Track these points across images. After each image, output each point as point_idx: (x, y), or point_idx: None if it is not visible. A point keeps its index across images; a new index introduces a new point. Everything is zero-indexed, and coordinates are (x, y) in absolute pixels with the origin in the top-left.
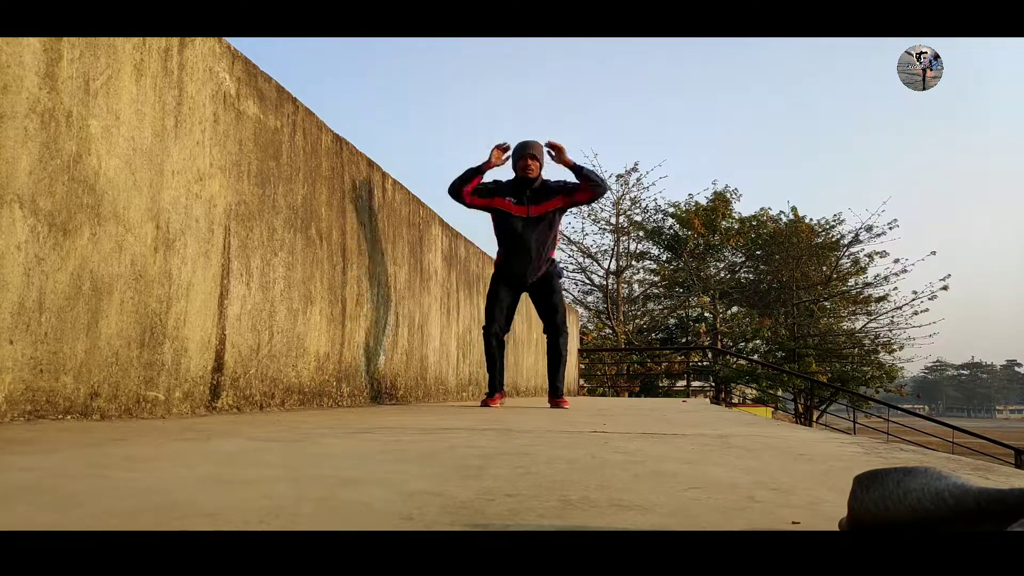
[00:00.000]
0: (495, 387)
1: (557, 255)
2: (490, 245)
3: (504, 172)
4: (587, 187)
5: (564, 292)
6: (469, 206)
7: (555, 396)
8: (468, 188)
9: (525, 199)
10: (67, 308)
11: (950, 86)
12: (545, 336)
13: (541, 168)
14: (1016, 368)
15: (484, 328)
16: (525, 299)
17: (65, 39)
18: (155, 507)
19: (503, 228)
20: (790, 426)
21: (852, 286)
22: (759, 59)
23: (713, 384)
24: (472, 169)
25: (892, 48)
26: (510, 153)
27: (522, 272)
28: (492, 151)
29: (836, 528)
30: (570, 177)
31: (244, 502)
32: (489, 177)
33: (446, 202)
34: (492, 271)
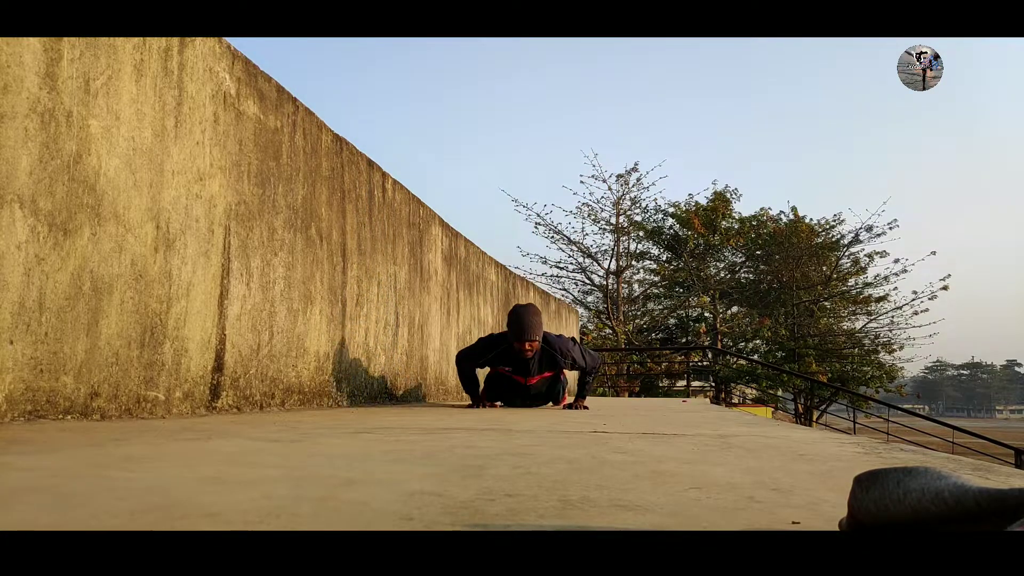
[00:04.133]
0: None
1: (557, 255)
2: (490, 245)
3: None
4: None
5: (564, 284)
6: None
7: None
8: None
9: (523, 370)
10: (67, 308)
11: (950, 86)
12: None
13: (539, 343)
14: (1016, 368)
15: (458, 359)
16: (525, 289)
17: (65, 39)
18: (155, 507)
19: (501, 381)
20: (790, 426)
21: (852, 286)
22: (759, 59)
23: (713, 384)
24: (471, 365)
25: (892, 48)
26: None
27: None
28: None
29: (836, 528)
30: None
31: (244, 502)
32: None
33: (446, 202)
34: (491, 275)
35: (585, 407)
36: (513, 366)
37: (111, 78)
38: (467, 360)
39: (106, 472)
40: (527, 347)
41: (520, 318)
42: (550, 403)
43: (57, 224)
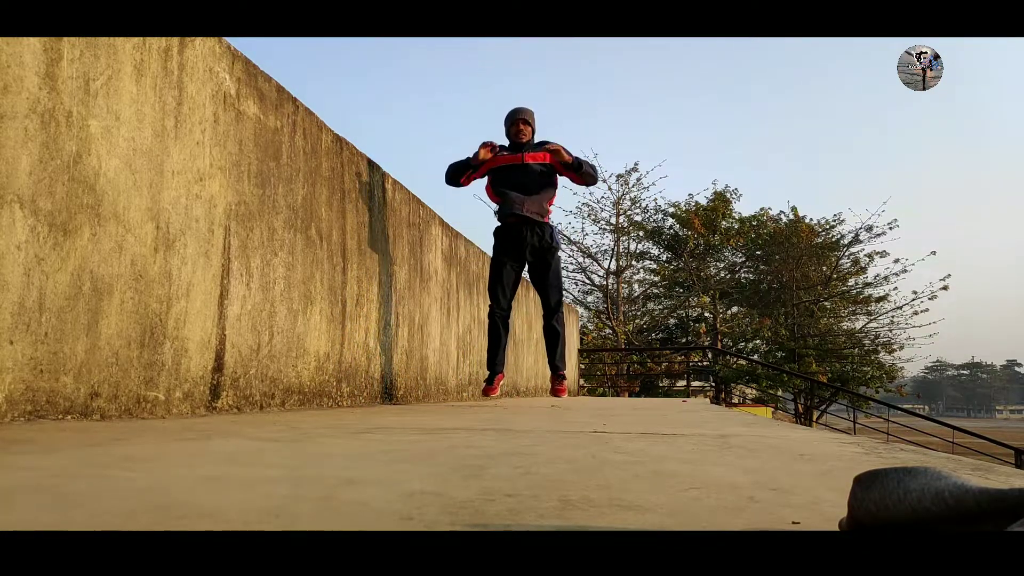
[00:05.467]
0: (496, 368)
1: (559, 255)
2: (490, 245)
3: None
4: (578, 179)
5: (564, 284)
6: (467, 185)
7: (555, 377)
8: (463, 178)
9: (516, 148)
10: (67, 308)
11: (950, 86)
12: (542, 320)
13: (533, 133)
14: (1016, 368)
15: (489, 308)
16: (525, 290)
17: (65, 39)
18: (155, 507)
19: (499, 183)
20: (790, 426)
21: (852, 286)
22: (759, 59)
23: (713, 384)
24: (463, 163)
25: (892, 48)
26: (498, 148)
27: (519, 227)
28: (480, 149)
29: (836, 528)
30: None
31: (244, 502)
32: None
33: (446, 202)
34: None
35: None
36: (509, 149)
37: (111, 78)
38: (457, 172)
39: (106, 472)
40: (521, 127)
41: (513, 108)
42: (541, 301)
43: (57, 224)
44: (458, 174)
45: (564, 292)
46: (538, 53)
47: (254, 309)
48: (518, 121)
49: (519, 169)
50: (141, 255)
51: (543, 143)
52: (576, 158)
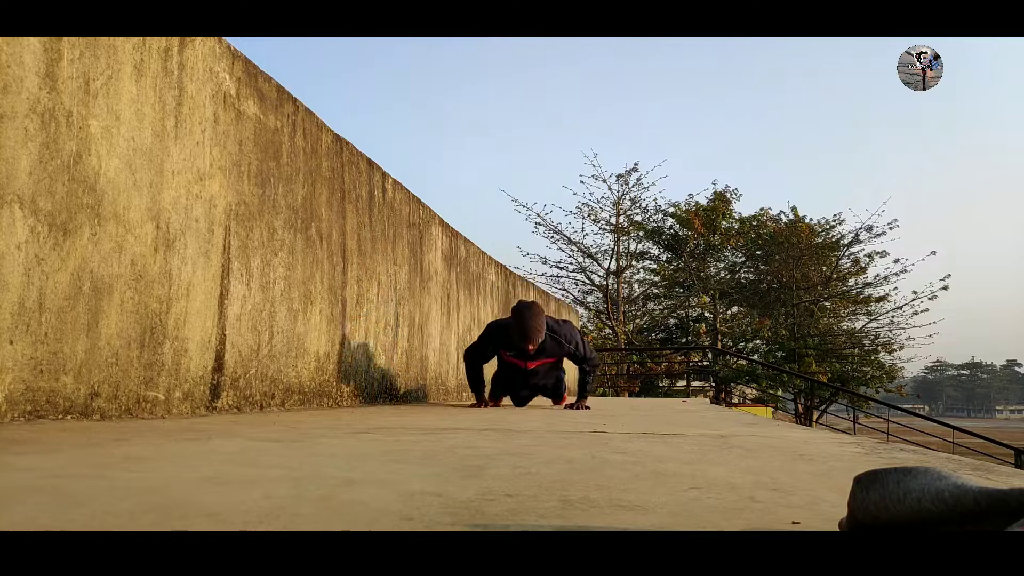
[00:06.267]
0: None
1: (557, 255)
2: (490, 245)
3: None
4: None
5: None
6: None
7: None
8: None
9: (524, 353)
10: (67, 308)
11: (950, 86)
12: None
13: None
14: (1016, 368)
15: (466, 354)
16: (527, 289)
17: (65, 39)
18: (155, 507)
19: (503, 367)
20: (790, 426)
21: (852, 286)
22: (760, 59)
23: (713, 384)
24: (474, 387)
25: (892, 48)
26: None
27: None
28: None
29: (836, 528)
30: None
31: (244, 502)
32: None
33: (446, 202)
34: (491, 275)
35: (587, 407)
36: (516, 351)
37: (111, 78)
38: (475, 355)
39: (106, 472)
40: (530, 348)
41: (524, 321)
42: (551, 401)
43: (57, 224)
44: (476, 372)
45: (565, 292)
46: (541, 52)
47: (254, 309)
48: (526, 342)
49: (522, 371)
50: (141, 255)
51: (546, 348)
52: (584, 386)
